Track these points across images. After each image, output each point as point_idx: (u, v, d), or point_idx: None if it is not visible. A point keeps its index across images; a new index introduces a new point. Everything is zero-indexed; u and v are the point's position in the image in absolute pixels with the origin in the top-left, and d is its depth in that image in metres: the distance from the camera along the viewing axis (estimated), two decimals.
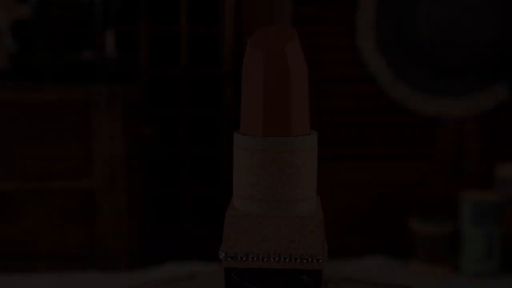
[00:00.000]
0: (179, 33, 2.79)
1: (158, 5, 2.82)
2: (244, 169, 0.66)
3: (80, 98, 2.26)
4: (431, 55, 2.48)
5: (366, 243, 2.62)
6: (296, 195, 0.67)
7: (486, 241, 2.32)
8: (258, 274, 0.65)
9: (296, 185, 0.66)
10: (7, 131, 2.27)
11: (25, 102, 2.25)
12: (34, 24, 2.43)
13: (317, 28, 2.54)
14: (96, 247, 2.35)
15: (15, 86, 2.25)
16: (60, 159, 2.30)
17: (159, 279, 0.89)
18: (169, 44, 2.92)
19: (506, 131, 2.65)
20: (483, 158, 2.64)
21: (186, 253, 2.50)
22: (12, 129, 2.27)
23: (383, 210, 2.62)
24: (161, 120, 2.91)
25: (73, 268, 2.34)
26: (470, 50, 2.45)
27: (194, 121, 2.88)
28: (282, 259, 0.65)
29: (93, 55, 2.49)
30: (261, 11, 2.59)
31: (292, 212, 0.66)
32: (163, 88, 3.00)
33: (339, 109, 2.57)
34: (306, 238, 0.65)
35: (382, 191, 2.61)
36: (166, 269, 2.36)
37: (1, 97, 2.27)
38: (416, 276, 2.34)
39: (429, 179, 2.62)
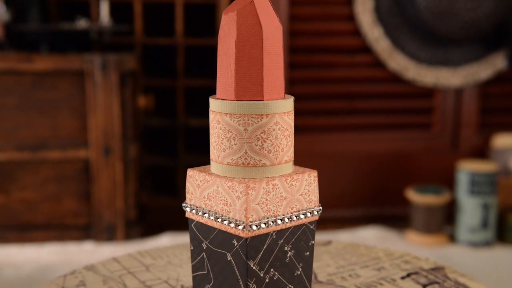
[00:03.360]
0: (174, 1, 2.76)
1: None
2: (215, 133, 0.67)
3: (74, 68, 2.23)
4: (429, 24, 2.45)
5: (363, 213, 2.62)
6: (260, 159, 0.66)
7: (482, 211, 2.33)
8: (208, 230, 0.68)
9: (260, 149, 0.66)
10: (0, 101, 2.25)
11: (19, 71, 2.23)
12: None
13: None
14: (93, 218, 2.34)
15: (8, 56, 2.23)
16: (55, 129, 2.28)
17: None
18: (165, 14, 2.89)
19: (503, 101, 2.64)
20: (480, 128, 2.63)
21: (183, 224, 2.50)
22: (6, 99, 2.25)
23: (380, 180, 2.62)
24: (157, 90, 2.89)
25: (70, 239, 2.34)
26: (468, 19, 2.43)
27: (190, 91, 2.86)
28: (219, 219, 0.66)
29: (87, 24, 2.46)
30: None
31: (254, 175, 0.66)
32: (158, 58, 2.97)
33: (336, 79, 2.56)
34: (235, 204, 0.65)
35: (379, 161, 2.61)
36: (163, 240, 2.36)
37: None
38: (412, 246, 2.35)
39: (426, 149, 2.62)
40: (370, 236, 2.43)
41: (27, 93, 2.25)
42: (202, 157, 2.76)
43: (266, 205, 0.65)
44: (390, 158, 2.61)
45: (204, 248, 0.70)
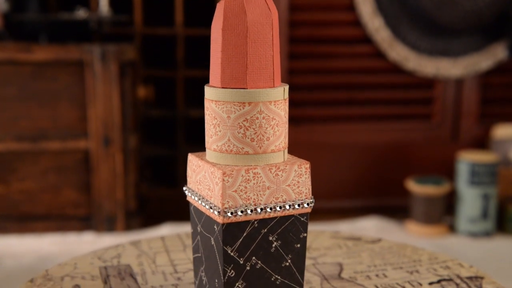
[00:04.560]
0: None
1: None
2: (205, 120, 0.68)
3: (73, 58, 2.23)
4: (430, 14, 2.44)
5: (363, 204, 2.62)
6: (243, 147, 0.66)
7: (482, 201, 2.32)
8: (200, 214, 0.70)
9: (243, 137, 0.66)
10: (0, 92, 2.25)
11: (18, 62, 2.22)
12: None
13: None
14: (93, 208, 2.34)
15: (7, 46, 2.22)
16: (54, 119, 2.28)
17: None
18: (164, 4, 2.88)
19: (504, 91, 2.63)
20: (480, 119, 2.63)
21: (183, 214, 2.50)
22: (5, 90, 2.24)
23: (380, 170, 2.62)
24: (156, 81, 2.88)
25: (70, 229, 2.35)
26: (469, 9, 2.42)
27: (190, 81, 2.85)
28: (204, 204, 0.68)
29: (86, 14, 2.45)
30: None
31: (236, 162, 0.66)
32: (158, 48, 2.97)
33: (336, 70, 2.55)
34: (215, 189, 0.66)
35: (379, 152, 2.60)
36: (163, 231, 2.36)
37: None
38: (412, 236, 2.35)
39: (426, 139, 2.61)
40: (370, 226, 2.43)
41: (26, 83, 2.25)
42: (201, 148, 2.75)
43: (245, 193, 0.65)
44: (390, 149, 2.60)
45: (198, 231, 0.71)
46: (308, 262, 0.88)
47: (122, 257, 0.90)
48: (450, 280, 0.81)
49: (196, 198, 0.70)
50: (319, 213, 2.56)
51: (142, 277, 0.84)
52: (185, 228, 2.37)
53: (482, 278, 0.82)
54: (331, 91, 2.56)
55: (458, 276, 0.82)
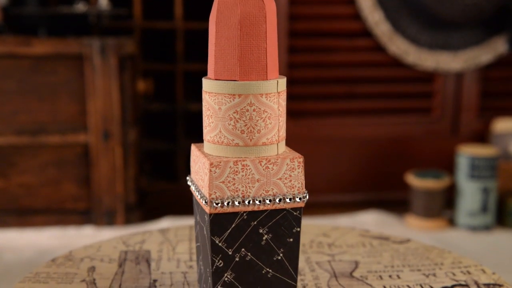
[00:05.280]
0: None
1: None
2: (203, 112, 0.69)
3: (73, 52, 2.22)
4: (430, 8, 2.44)
5: (363, 198, 2.62)
6: (233, 139, 0.67)
7: (482, 195, 2.32)
8: (198, 204, 0.71)
9: (233, 129, 0.66)
10: None
11: (17, 55, 2.22)
12: None
13: None
14: (92, 202, 2.34)
15: (6, 39, 2.22)
16: (54, 113, 2.28)
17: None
18: None
19: (504, 85, 2.63)
20: (480, 113, 2.63)
21: (183, 208, 2.50)
22: (4, 83, 2.24)
23: (379, 164, 2.62)
24: (156, 75, 2.88)
25: (70, 223, 2.35)
26: (469, 2, 2.41)
27: (189, 75, 2.85)
28: (198, 194, 0.69)
29: (86, 8, 2.45)
30: None
31: (227, 154, 0.67)
32: (157, 42, 2.96)
33: (336, 64, 2.54)
34: (204, 180, 0.67)
35: (379, 146, 2.60)
36: (163, 225, 2.36)
37: None
38: (412, 230, 2.36)
39: (426, 133, 2.61)
40: (370, 220, 2.43)
41: (25, 77, 2.24)
42: (201, 142, 2.76)
43: (233, 184, 0.66)
44: (390, 143, 2.60)
45: (197, 221, 0.73)
46: (325, 258, 0.87)
47: (146, 243, 0.93)
48: (465, 286, 0.79)
49: (194, 188, 0.71)
50: (319, 207, 2.56)
51: (157, 263, 0.86)
52: (185, 222, 2.37)
53: (500, 286, 0.79)
54: (331, 85, 2.56)
55: (476, 283, 0.80)
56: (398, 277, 0.81)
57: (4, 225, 2.31)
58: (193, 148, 0.72)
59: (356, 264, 0.86)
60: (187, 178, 0.74)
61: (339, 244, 0.93)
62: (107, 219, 2.35)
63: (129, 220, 2.37)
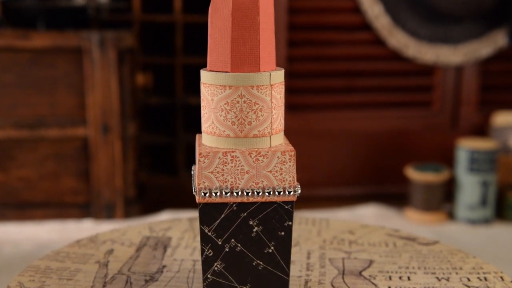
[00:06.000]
0: None
1: None
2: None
3: (72, 45, 2.22)
4: (430, 1, 2.43)
5: (362, 192, 2.62)
6: (224, 130, 0.67)
7: (481, 188, 2.32)
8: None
9: (224, 120, 0.67)
10: None
11: (16, 48, 2.21)
12: None
13: None
14: (92, 196, 2.34)
15: (5, 33, 2.21)
16: (53, 107, 2.27)
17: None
18: None
19: (504, 78, 2.62)
20: (480, 106, 2.62)
21: (182, 202, 2.50)
22: (3, 76, 2.24)
23: (379, 158, 2.61)
24: (155, 68, 2.87)
25: (69, 217, 2.35)
26: None
27: (189, 69, 2.84)
28: (193, 182, 0.70)
29: (85, 1, 2.44)
30: None
31: (219, 144, 0.68)
32: (156, 35, 2.95)
33: (336, 57, 2.54)
34: (196, 170, 0.68)
35: (379, 139, 2.60)
36: (162, 218, 2.36)
37: None
38: (411, 223, 2.35)
39: (426, 127, 2.61)
40: (369, 214, 2.43)
41: (24, 70, 2.24)
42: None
43: (222, 175, 0.66)
44: (389, 136, 2.60)
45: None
46: (340, 255, 0.86)
47: (171, 230, 0.95)
48: None
49: (193, 178, 0.73)
50: (319, 200, 2.56)
51: (173, 250, 0.88)
52: (184, 216, 2.37)
53: None
54: (330, 78, 2.55)
55: None
56: (408, 278, 0.79)
57: (3, 219, 2.32)
58: (197, 138, 0.73)
59: (370, 263, 0.84)
60: (192, 168, 0.75)
61: (361, 242, 0.92)
62: (107, 213, 2.35)
63: (128, 213, 2.37)
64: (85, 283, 0.78)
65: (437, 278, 0.80)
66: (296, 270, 0.81)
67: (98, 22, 2.56)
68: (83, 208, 2.36)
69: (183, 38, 2.80)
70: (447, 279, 0.79)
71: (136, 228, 0.96)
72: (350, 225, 0.99)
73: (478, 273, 0.81)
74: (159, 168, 2.93)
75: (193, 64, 2.78)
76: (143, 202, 2.47)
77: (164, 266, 0.82)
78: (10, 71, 2.23)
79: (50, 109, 2.27)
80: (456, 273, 0.81)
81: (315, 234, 0.95)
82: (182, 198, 2.54)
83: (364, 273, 0.81)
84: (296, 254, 0.87)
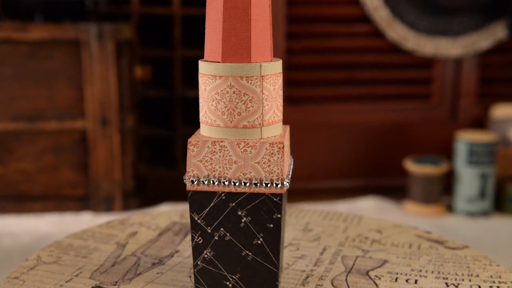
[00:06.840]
0: None
1: None
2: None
3: (70, 37, 2.21)
4: None
5: (361, 184, 2.62)
6: (215, 120, 0.68)
7: (480, 181, 2.32)
8: None
9: (215, 110, 0.68)
10: None
11: (14, 41, 2.21)
12: None
13: None
14: (90, 188, 2.34)
15: (2, 25, 2.20)
16: (51, 99, 2.27)
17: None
18: None
19: (503, 71, 2.62)
20: (479, 99, 2.62)
21: (181, 194, 2.50)
22: (1, 69, 2.23)
23: (378, 150, 2.61)
24: (154, 61, 2.87)
25: (68, 210, 2.35)
26: None
27: (187, 61, 2.84)
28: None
29: None
30: None
31: (210, 134, 0.69)
32: (155, 28, 2.95)
33: (334, 49, 2.53)
34: (187, 162, 0.69)
35: (378, 132, 2.60)
36: (161, 211, 2.36)
37: None
38: (410, 216, 2.36)
39: (425, 119, 2.61)
40: (368, 206, 2.43)
41: (22, 62, 2.23)
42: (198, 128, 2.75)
43: (211, 164, 0.67)
44: (388, 129, 2.60)
45: None
46: (355, 253, 0.85)
47: (182, 223, 0.96)
48: None
49: None
50: (318, 193, 2.56)
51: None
52: (182, 208, 2.37)
53: None
54: (329, 70, 2.55)
55: None
56: (415, 282, 0.77)
57: (2, 211, 2.32)
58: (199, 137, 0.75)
59: (383, 263, 0.82)
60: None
61: (384, 242, 0.89)
62: (105, 206, 2.35)
63: (127, 206, 2.37)
64: (97, 261, 0.80)
65: (446, 284, 0.77)
66: (303, 264, 0.81)
67: (96, 14, 2.55)
68: (82, 200, 2.36)
69: (181, 30, 2.79)
70: (456, 286, 0.76)
71: (167, 213, 0.99)
72: (381, 224, 0.97)
73: (493, 282, 0.78)
74: (157, 161, 2.93)
75: (192, 56, 2.77)
76: (142, 194, 2.47)
77: (177, 251, 0.84)
78: (8, 63, 2.23)
79: (48, 101, 2.27)
80: (469, 280, 0.78)
81: (341, 231, 0.93)
82: (181, 191, 2.54)
83: (371, 273, 0.79)
84: (311, 249, 0.86)
